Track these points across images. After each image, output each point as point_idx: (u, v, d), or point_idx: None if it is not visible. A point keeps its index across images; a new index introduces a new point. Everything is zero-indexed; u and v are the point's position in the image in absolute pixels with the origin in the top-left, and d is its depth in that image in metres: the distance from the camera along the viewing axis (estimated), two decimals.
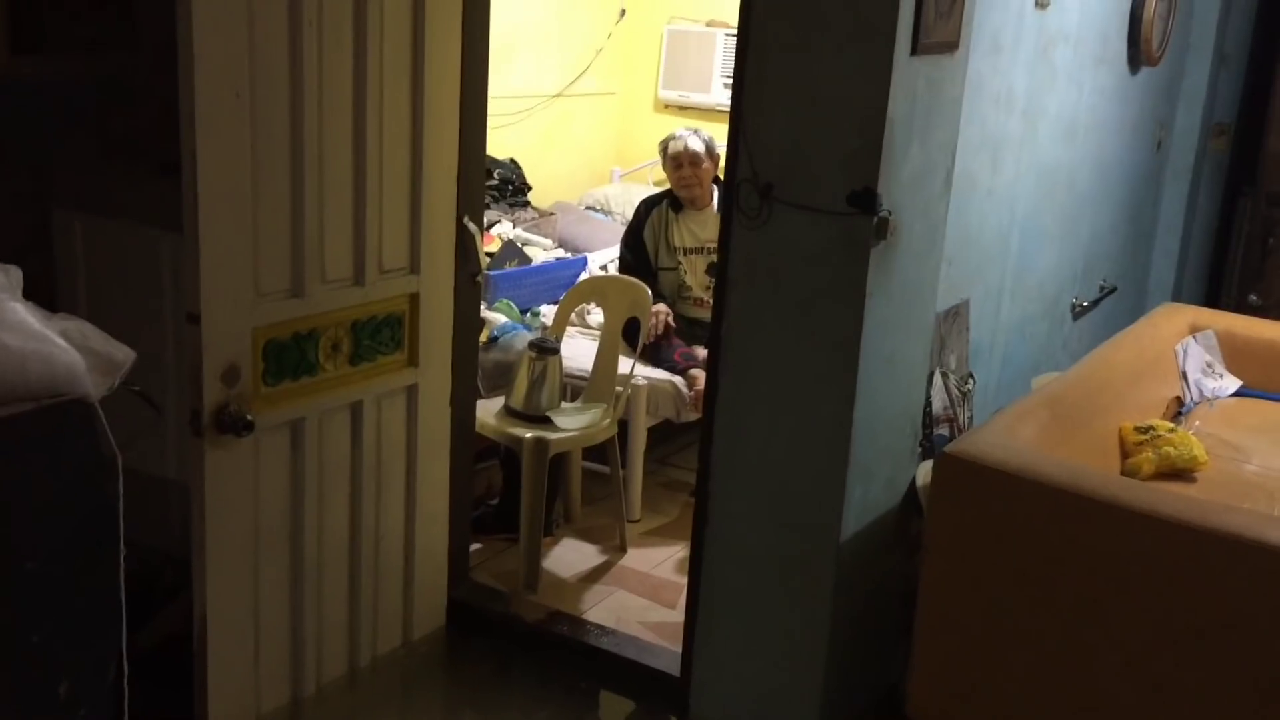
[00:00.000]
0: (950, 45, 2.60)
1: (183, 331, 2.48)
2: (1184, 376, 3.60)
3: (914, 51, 2.44)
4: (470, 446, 3.35)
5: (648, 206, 4.48)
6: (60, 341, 1.77)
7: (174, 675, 2.65)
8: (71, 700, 1.85)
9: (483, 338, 3.83)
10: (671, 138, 4.38)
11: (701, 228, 4.31)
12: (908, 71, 2.44)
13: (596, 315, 4.41)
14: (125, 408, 1.94)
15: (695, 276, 4.31)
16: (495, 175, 5.34)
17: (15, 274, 1.81)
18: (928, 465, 2.86)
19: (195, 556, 2.57)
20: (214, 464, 2.52)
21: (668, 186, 4.51)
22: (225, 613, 2.63)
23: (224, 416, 2.49)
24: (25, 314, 1.75)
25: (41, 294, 1.85)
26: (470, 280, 3.16)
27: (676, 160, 4.32)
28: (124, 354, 1.85)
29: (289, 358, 2.66)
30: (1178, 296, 4.94)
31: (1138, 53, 4.08)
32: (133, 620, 1.94)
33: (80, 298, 2.99)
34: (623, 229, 4.83)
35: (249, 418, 2.51)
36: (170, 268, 2.81)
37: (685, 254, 4.34)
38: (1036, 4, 3.22)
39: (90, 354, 1.80)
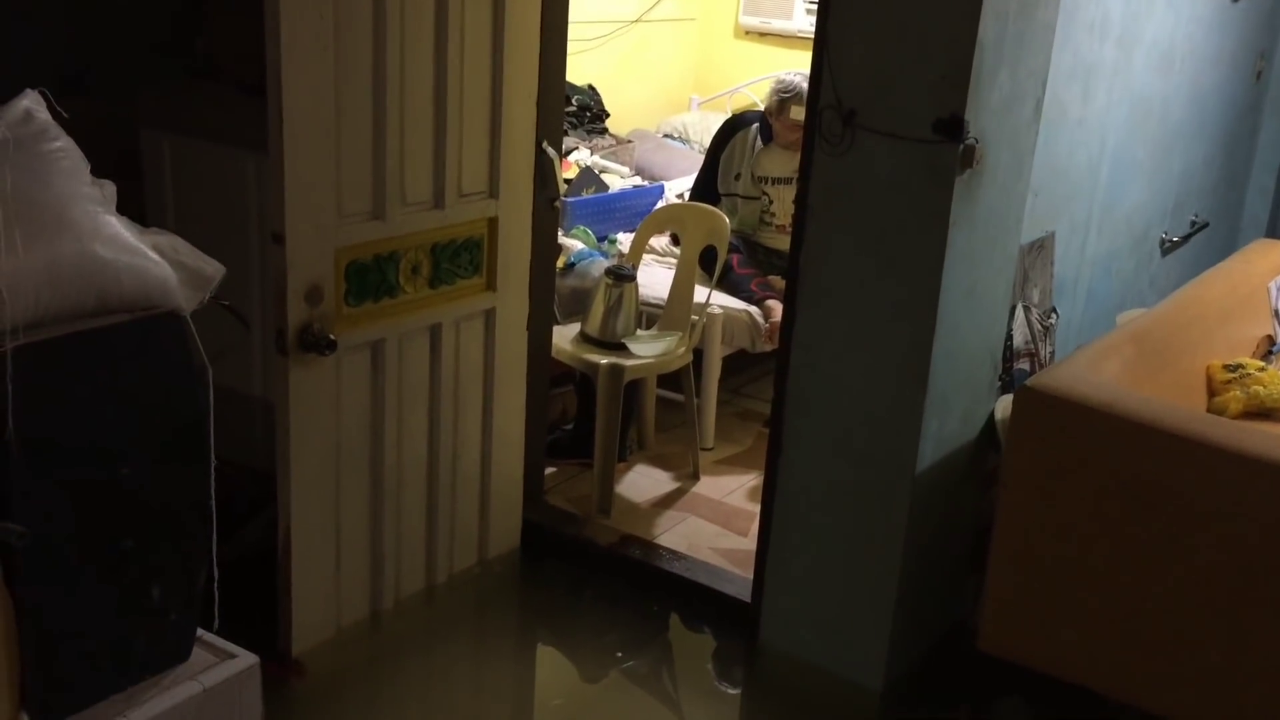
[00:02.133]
0: None
1: (267, 251, 2.52)
2: (1276, 315, 3.50)
3: None
4: (546, 371, 3.38)
5: (732, 129, 4.38)
6: (153, 255, 1.81)
7: (259, 586, 2.73)
8: (163, 604, 1.92)
9: (560, 264, 3.84)
10: (795, 94, 4.10)
11: (793, 159, 4.24)
12: None
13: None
14: (214, 322, 1.98)
15: (782, 205, 4.22)
16: (573, 101, 5.31)
17: (110, 189, 1.85)
18: (1007, 400, 2.82)
19: (280, 472, 2.63)
20: (297, 382, 2.57)
21: (758, 110, 4.41)
22: (308, 528, 2.70)
23: (307, 335, 2.54)
24: (119, 227, 1.79)
25: (132, 211, 1.88)
26: (548, 206, 3.17)
27: (791, 123, 4.10)
28: (214, 268, 1.89)
29: (370, 279, 2.69)
30: (1272, 233, 4.79)
31: None
32: (221, 530, 2.00)
33: (169, 217, 3.04)
34: (700, 157, 4.78)
35: (331, 337, 2.55)
36: (255, 188, 2.85)
37: (773, 183, 4.27)
38: None
39: (181, 268, 1.84)
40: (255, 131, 2.50)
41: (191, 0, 3.22)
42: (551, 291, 3.37)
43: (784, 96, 4.19)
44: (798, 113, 4.05)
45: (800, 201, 2.68)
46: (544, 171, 3.10)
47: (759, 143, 4.30)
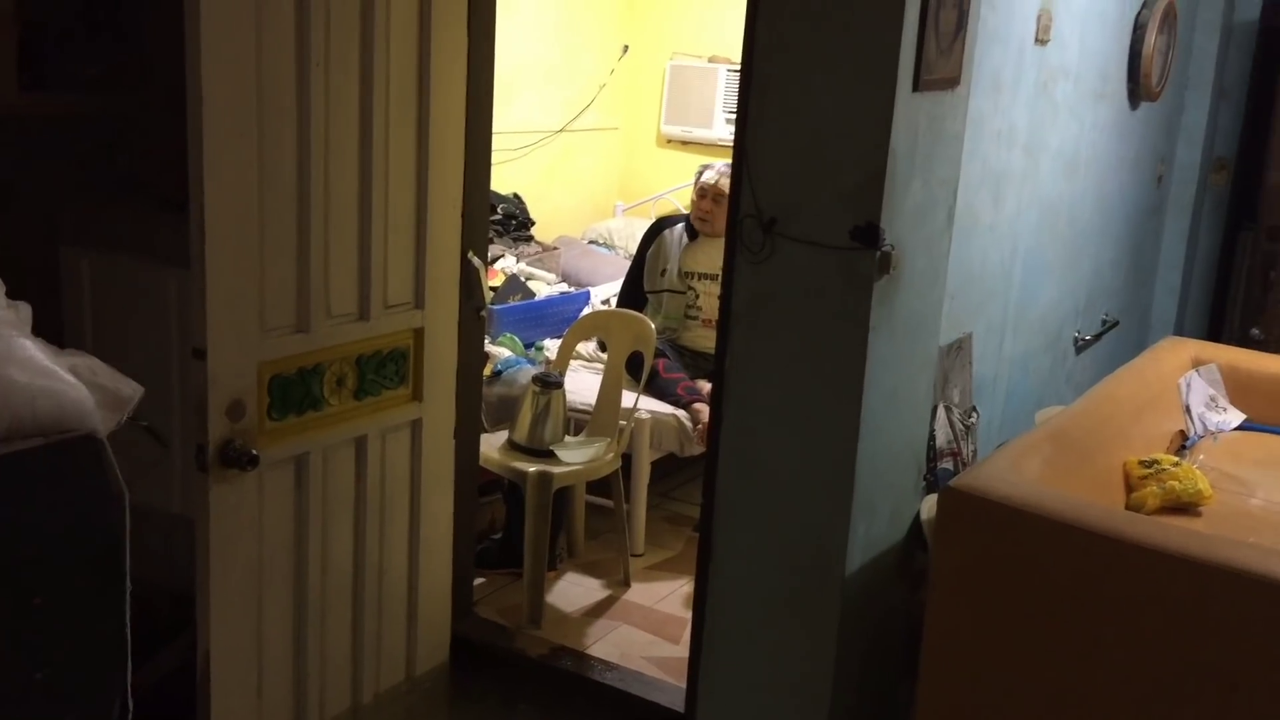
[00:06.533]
0: (951, 81, 2.63)
1: (189, 367, 2.49)
2: (1187, 410, 3.59)
3: (915, 88, 2.46)
4: (474, 481, 3.36)
5: (659, 228, 4.52)
6: (69, 377, 1.78)
7: (178, 712, 2.64)
8: None
9: (487, 372, 3.85)
10: (707, 167, 4.44)
11: (718, 255, 4.34)
12: (909, 107, 2.46)
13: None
14: (132, 443, 1.94)
15: (708, 299, 4.31)
16: (499, 210, 5.37)
17: (25, 310, 1.82)
18: (932, 499, 2.85)
19: (199, 592, 2.56)
20: (218, 499, 2.52)
21: (684, 214, 4.56)
22: (229, 648, 2.62)
23: (229, 451, 2.50)
24: (34, 350, 1.76)
25: (49, 330, 1.86)
26: (474, 315, 3.18)
27: (701, 190, 4.36)
28: (131, 389, 1.86)
29: (294, 392, 2.67)
30: (1180, 331, 4.95)
31: (1137, 88, 4.11)
32: (137, 656, 1.94)
33: (87, 334, 3.00)
34: (626, 263, 4.85)
35: (254, 452, 2.51)
36: (177, 304, 2.82)
37: (699, 278, 4.36)
38: (1036, 40, 3.25)
39: (98, 389, 1.81)
40: (177, 247, 2.49)
41: (113, 116, 3.22)
42: (479, 400, 3.36)
43: (697, 175, 4.43)
44: (708, 176, 4.25)
45: (724, 307, 2.72)
46: (470, 281, 3.12)
47: (685, 239, 4.40)
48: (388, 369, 2.90)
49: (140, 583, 1.93)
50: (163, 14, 2.62)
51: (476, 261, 3.13)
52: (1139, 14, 4.00)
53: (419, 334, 2.96)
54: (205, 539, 2.53)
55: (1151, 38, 4.00)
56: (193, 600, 2.58)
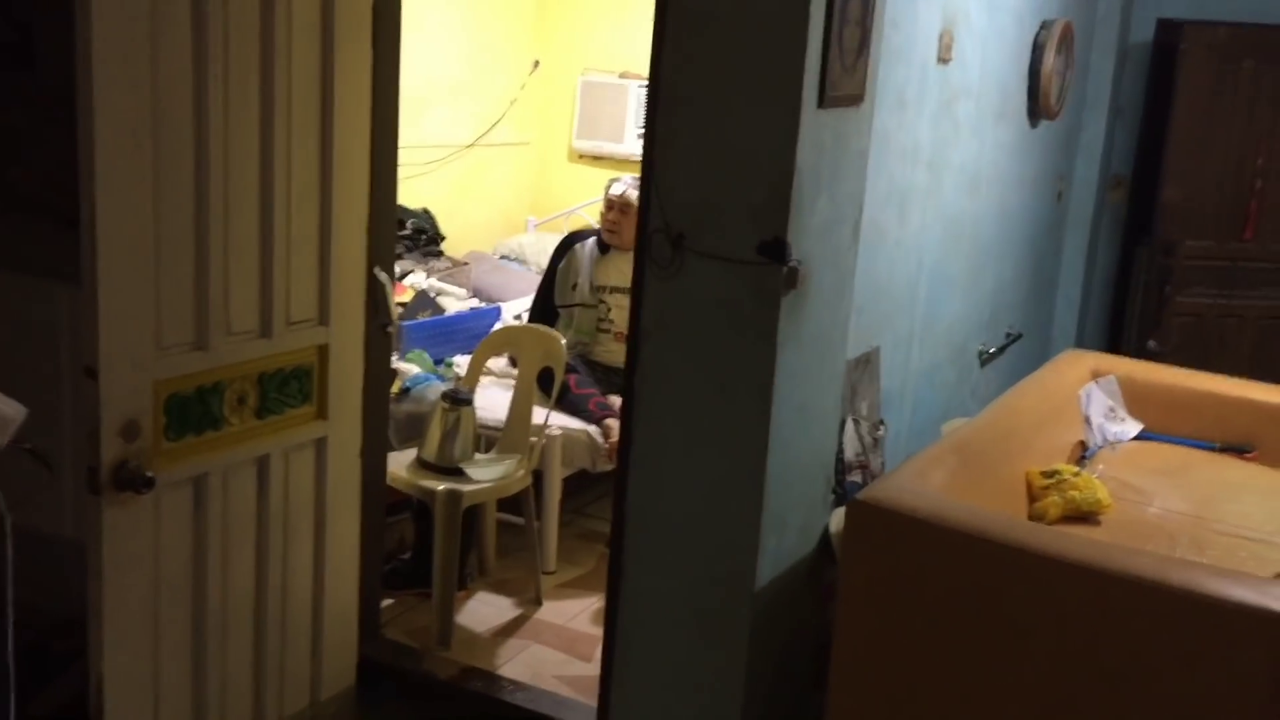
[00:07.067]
0: (856, 99, 2.66)
1: (80, 386, 2.41)
2: (1087, 421, 3.68)
3: (820, 104, 2.48)
4: (381, 500, 3.30)
5: (570, 242, 4.51)
6: None
7: None
8: None
9: (395, 389, 3.79)
10: (616, 179, 4.44)
11: (629, 269, 4.34)
12: (814, 124, 2.48)
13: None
14: (18, 465, 1.87)
15: (620, 312, 4.29)
16: (408, 225, 5.31)
17: None
18: (841, 512, 2.87)
19: (92, 618, 2.47)
20: (112, 522, 2.44)
21: (595, 229, 4.55)
22: (124, 677, 2.53)
23: (123, 473, 2.42)
24: None
25: None
26: (381, 331, 3.13)
27: (609, 203, 4.36)
28: (15, 410, 1.79)
29: (192, 412, 2.59)
30: (1080, 343, 5.07)
31: (1037, 107, 4.21)
32: (25, 687, 1.87)
33: None
34: (537, 278, 4.83)
35: (149, 474, 2.44)
36: (68, 321, 2.74)
37: (611, 292, 4.36)
38: (939, 59, 3.31)
39: None
40: (68, 263, 2.41)
41: (5, 128, 3.11)
42: (386, 417, 3.31)
43: (606, 188, 4.43)
44: (615, 188, 4.26)
45: (633, 323, 2.71)
46: (376, 297, 3.07)
47: (596, 253, 4.39)
48: (291, 387, 2.84)
49: (29, 610, 1.86)
50: (52, 23, 2.55)
51: (383, 277, 3.08)
52: (1037, 35, 4.10)
53: (324, 351, 2.91)
54: (97, 564, 2.44)
55: (1049, 58, 4.10)
56: (86, 628, 2.49)
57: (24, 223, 2.97)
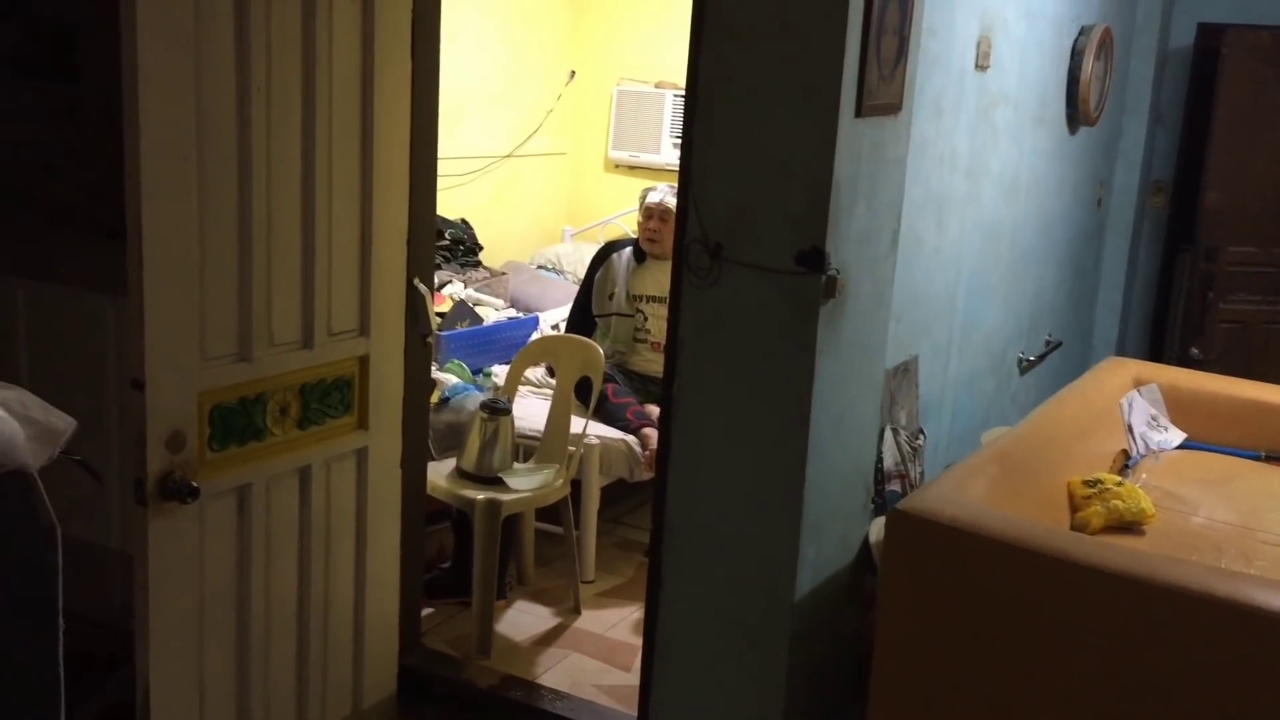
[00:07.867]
0: (894, 107, 2.65)
1: (127, 398, 2.44)
2: (1129, 430, 3.64)
3: (858, 114, 2.48)
4: (421, 509, 3.32)
5: (607, 251, 4.52)
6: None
7: None
8: None
9: (434, 399, 3.81)
10: (651, 189, 4.44)
11: (666, 279, 4.35)
12: (852, 133, 2.48)
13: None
14: (67, 476, 1.90)
15: (657, 322, 4.30)
16: (446, 236, 5.34)
17: None
18: (880, 522, 2.86)
19: (138, 627, 2.50)
20: (158, 532, 2.47)
21: (631, 238, 4.56)
22: (169, 685, 2.56)
23: (168, 484, 2.44)
24: None
25: None
26: (421, 341, 3.15)
27: (648, 211, 4.36)
28: (65, 423, 1.82)
29: (236, 423, 2.62)
30: (1121, 351, 5.02)
31: (1076, 113, 4.18)
32: (73, 695, 1.89)
33: (21, 365, 2.94)
34: (574, 288, 4.84)
35: (194, 484, 2.46)
36: (114, 334, 2.78)
37: (648, 301, 4.36)
38: (977, 66, 3.29)
39: (30, 423, 1.77)
40: (115, 275, 2.44)
41: (48, 143, 3.16)
42: (426, 427, 3.33)
43: (642, 197, 4.45)
44: (653, 196, 4.26)
45: (671, 332, 2.72)
46: (416, 307, 3.09)
47: (633, 262, 4.40)
48: (332, 397, 2.86)
49: (77, 619, 1.88)
50: (99, 39, 2.59)
51: (423, 288, 3.10)
52: (1076, 41, 4.07)
53: (364, 361, 2.93)
54: (144, 574, 2.47)
55: (1089, 64, 4.07)
56: (133, 636, 2.52)
57: (71, 237, 3.02)
